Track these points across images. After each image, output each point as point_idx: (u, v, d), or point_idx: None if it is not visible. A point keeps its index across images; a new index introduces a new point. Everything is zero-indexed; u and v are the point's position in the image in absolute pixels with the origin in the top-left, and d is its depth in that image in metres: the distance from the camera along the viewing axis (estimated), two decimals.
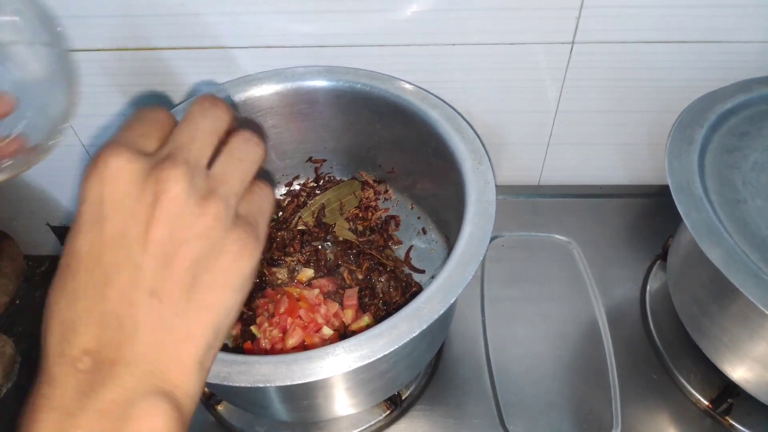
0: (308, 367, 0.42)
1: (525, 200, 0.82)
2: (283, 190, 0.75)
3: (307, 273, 0.68)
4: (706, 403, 0.63)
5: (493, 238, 0.77)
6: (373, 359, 0.42)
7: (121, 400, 0.25)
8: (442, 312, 0.44)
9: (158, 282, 0.26)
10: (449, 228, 0.67)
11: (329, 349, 0.43)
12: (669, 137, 0.57)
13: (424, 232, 0.71)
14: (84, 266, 0.27)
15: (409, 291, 0.66)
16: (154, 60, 0.69)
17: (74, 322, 0.26)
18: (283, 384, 0.42)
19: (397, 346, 0.43)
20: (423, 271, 0.69)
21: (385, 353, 0.42)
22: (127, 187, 0.27)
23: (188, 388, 0.27)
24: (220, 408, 0.64)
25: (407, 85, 0.63)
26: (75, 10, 0.64)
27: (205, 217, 0.27)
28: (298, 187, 0.75)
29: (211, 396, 0.64)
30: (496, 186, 0.53)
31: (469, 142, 0.57)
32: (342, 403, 0.55)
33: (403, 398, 0.63)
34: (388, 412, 0.62)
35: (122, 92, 0.73)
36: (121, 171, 0.27)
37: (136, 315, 0.26)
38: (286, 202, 0.74)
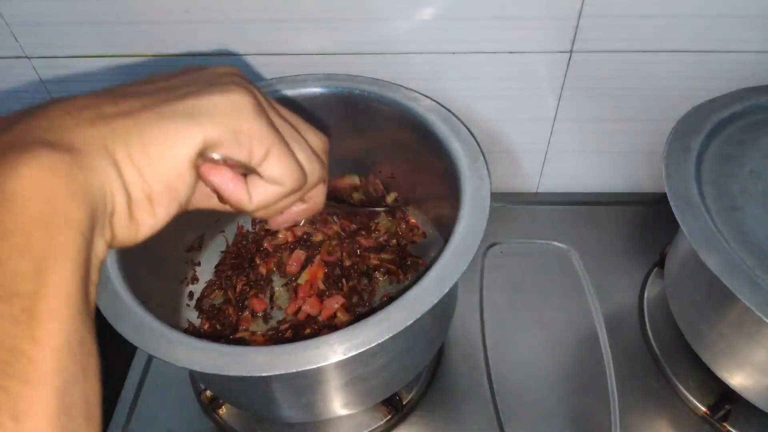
0: (303, 356, 0.42)
1: (523, 208, 0.83)
2: None
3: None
4: (704, 409, 0.63)
5: (491, 245, 0.78)
6: (368, 347, 0.42)
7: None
8: (435, 302, 0.45)
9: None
10: (449, 230, 0.67)
11: (324, 338, 0.43)
12: (666, 145, 0.58)
13: (424, 235, 0.72)
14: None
15: None
16: (159, 67, 0.69)
17: None
18: (278, 373, 0.42)
19: (391, 335, 0.43)
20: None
21: (380, 341, 0.43)
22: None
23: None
24: (221, 412, 0.64)
25: (405, 91, 0.63)
26: (81, 17, 0.65)
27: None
28: None
29: (213, 400, 0.64)
30: (494, 192, 0.53)
31: (464, 141, 0.57)
32: (340, 402, 0.55)
33: (403, 403, 0.63)
34: (389, 417, 0.63)
35: None
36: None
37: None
38: None
